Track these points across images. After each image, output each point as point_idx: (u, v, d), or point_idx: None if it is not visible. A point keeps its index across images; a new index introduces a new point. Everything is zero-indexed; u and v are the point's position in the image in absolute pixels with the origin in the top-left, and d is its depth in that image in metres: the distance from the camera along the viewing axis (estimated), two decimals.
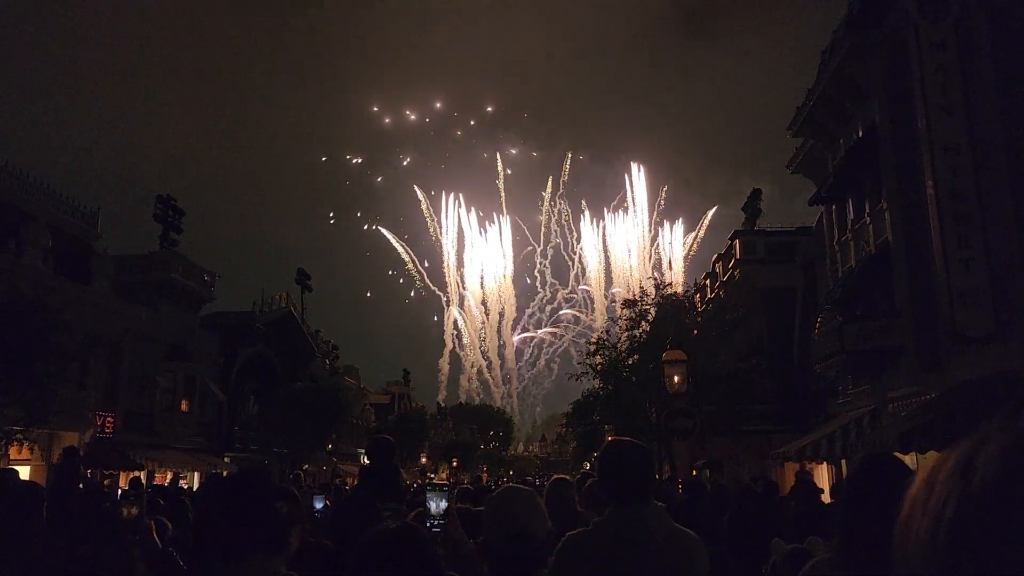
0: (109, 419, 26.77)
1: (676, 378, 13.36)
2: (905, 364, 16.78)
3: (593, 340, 24.03)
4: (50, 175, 26.98)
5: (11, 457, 19.16)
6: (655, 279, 23.09)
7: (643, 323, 22.74)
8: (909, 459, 16.56)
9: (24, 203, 24.60)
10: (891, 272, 17.44)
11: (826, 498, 19.56)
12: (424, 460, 61.50)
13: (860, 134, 19.12)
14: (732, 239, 32.35)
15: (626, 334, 23.23)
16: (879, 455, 2.44)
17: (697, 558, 2.79)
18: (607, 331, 23.88)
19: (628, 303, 22.86)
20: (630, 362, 23.34)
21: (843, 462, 20.12)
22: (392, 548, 2.31)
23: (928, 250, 16.04)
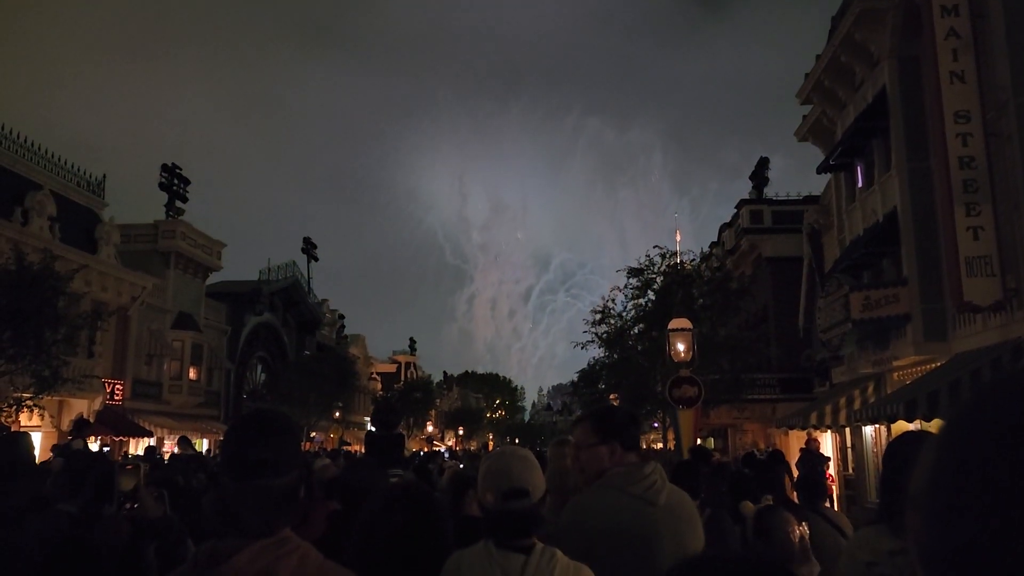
0: (119, 386, 27.03)
1: (681, 346, 13.34)
2: (911, 333, 16.76)
3: (598, 309, 23.96)
4: (56, 143, 26.91)
5: (22, 424, 19.37)
6: (661, 248, 22.96)
7: (649, 291, 22.68)
8: (914, 427, 16.67)
9: (29, 171, 24.58)
10: (898, 241, 17.34)
11: (832, 467, 19.78)
12: (431, 428, 62.00)
13: (869, 100, 18.91)
14: (738, 208, 32.19)
15: (632, 303, 23.18)
16: (915, 432, 2.52)
17: (696, 516, 2.87)
18: (612, 300, 23.78)
19: (634, 271, 22.75)
20: (635, 331, 23.31)
21: (847, 431, 20.21)
22: (401, 503, 2.35)
23: (936, 218, 15.94)
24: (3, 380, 16.23)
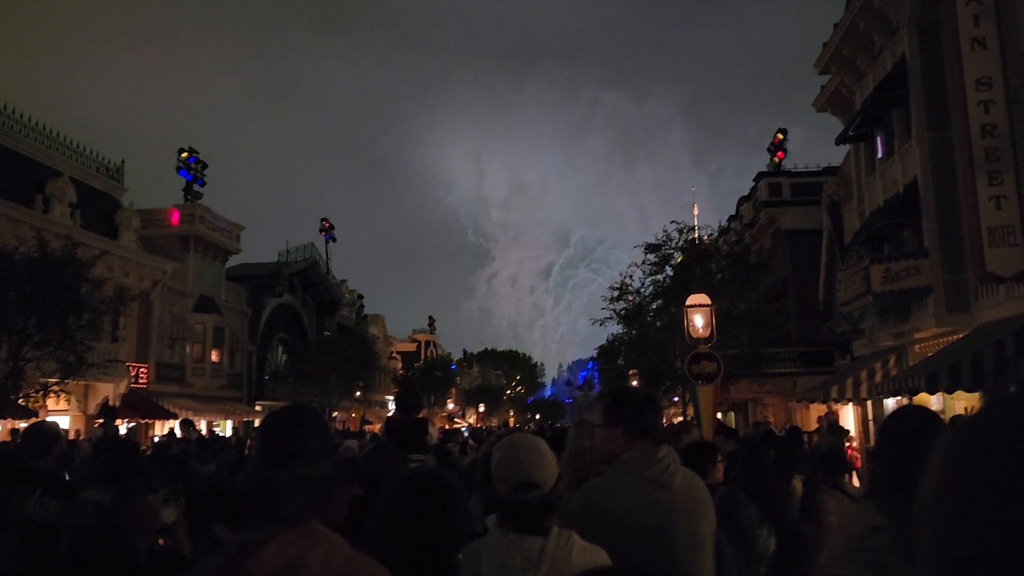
0: (143, 370, 27.39)
1: (700, 322, 13.29)
2: (932, 305, 16.61)
3: (616, 285, 23.88)
4: (71, 130, 27.10)
5: (49, 408, 19.69)
6: (678, 223, 22.82)
7: (667, 267, 22.60)
8: (936, 399, 16.54)
9: (49, 159, 24.79)
10: (919, 211, 17.13)
11: (854, 439, 19.69)
12: (452, 406, 62.37)
13: (889, 69, 18.61)
14: (757, 181, 31.88)
15: (650, 279, 23.09)
16: (910, 407, 2.52)
17: (709, 499, 2.88)
18: (630, 276, 23.69)
19: (651, 247, 22.64)
20: (654, 307, 23.26)
21: (869, 403, 20.11)
22: (416, 490, 2.37)
23: (958, 188, 15.71)
24: (30, 366, 16.48)
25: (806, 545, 3.36)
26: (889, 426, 2.35)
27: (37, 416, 18.56)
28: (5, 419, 17.10)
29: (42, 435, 5.00)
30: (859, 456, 19.32)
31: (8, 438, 15.19)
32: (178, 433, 16.70)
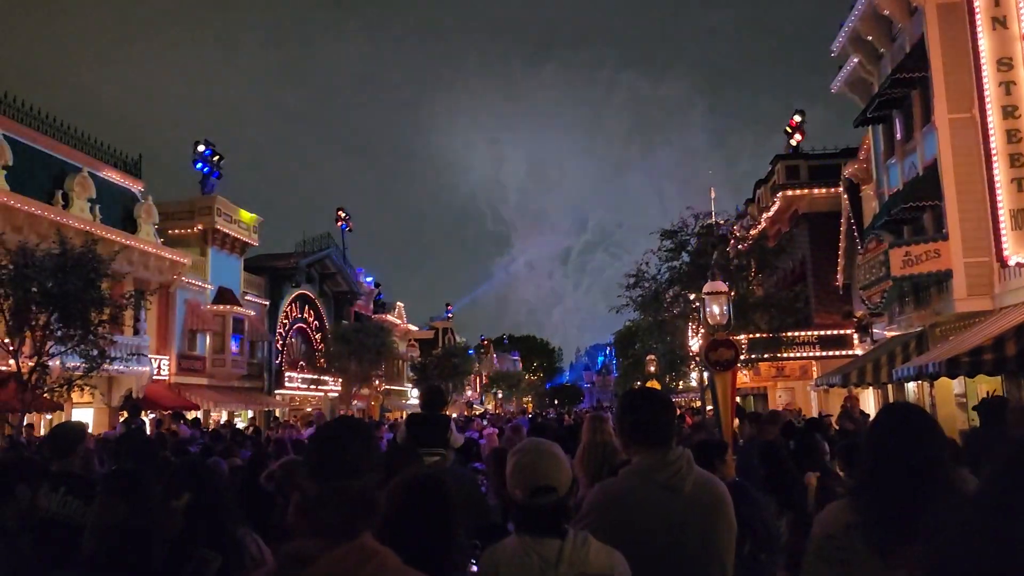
0: (165, 361, 27.69)
1: (717, 310, 13.23)
2: (953, 288, 16.44)
3: (632, 273, 23.77)
4: (89, 124, 27.26)
5: (74, 401, 19.94)
6: (692, 208, 22.68)
7: (683, 253, 22.49)
8: (957, 383, 16.39)
9: (68, 154, 24.97)
10: (939, 194, 16.93)
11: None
12: (470, 393, 62.60)
13: (907, 50, 18.36)
14: (774, 163, 31.59)
15: (666, 265, 22.98)
16: (896, 405, 2.52)
17: (727, 502, 2.86)
18: (646, 263, 23.57)
19: (667, 233, 22.53)
20: (670, 293, 23.17)
21: (890, 387, 19.98)
22: (411, 495, 2.40)
23: (979, 170, 15.51)
24: (53, 360, 16.67)
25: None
26: (872, 427, 2.39)
27: (62, 410, 18.78)
28: (31, 413, 17.34)
29: (67, 434, 5.07)
30: None
31: (25, 433, 15.36)
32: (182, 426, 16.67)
